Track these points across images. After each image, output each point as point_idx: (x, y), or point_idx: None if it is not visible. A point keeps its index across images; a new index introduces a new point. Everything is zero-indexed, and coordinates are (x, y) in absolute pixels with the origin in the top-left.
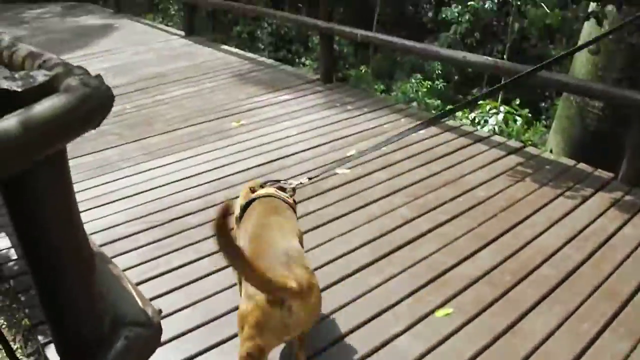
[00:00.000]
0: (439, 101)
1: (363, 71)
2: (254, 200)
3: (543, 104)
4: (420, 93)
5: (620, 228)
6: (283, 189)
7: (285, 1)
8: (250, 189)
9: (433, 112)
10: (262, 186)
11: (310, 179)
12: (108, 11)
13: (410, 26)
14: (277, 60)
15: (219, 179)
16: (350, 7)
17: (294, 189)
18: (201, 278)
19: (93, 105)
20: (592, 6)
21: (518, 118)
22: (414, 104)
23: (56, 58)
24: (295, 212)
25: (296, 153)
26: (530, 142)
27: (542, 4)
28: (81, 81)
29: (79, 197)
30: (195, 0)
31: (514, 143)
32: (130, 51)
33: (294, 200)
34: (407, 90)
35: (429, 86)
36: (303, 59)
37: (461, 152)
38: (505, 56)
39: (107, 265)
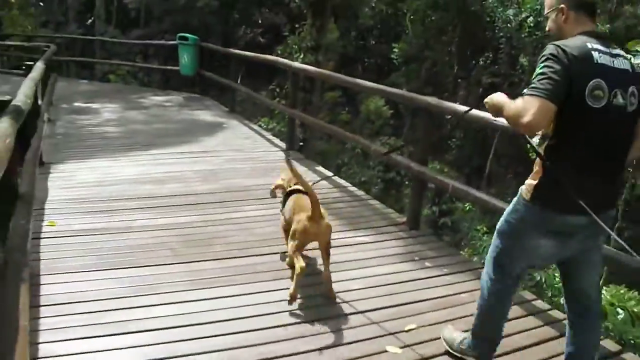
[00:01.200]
0: None
1: (468, 208)
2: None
3: None
4: None
5: None
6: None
7: (406, 123)
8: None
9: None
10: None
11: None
12: (223, 109)
13: (528, 163)
14: (385, 182)
15: (254, 330)
16: (469, 138)
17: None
18: None
19: None
20: None
21: (620, 310)
22: None
23: None
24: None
25: (349, 314)
26: (633, 342)
27: None
28: None
29: (108, 317)
30: (300, 118)
31: (609, 344)
32: (227, 156)
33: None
34: None
35: None
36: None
37: (543, 347)
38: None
39: None
